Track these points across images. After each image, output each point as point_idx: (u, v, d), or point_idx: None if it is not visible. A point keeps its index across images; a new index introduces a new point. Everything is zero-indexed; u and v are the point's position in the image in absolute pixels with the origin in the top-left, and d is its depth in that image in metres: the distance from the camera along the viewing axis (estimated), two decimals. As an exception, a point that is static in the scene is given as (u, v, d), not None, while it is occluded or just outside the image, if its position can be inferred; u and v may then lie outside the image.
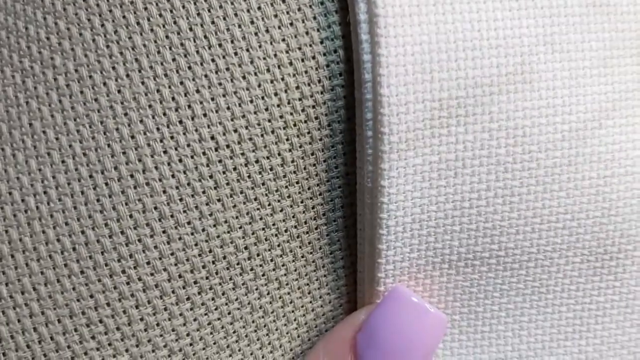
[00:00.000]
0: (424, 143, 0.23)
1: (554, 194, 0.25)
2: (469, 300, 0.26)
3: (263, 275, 0.24)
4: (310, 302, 0.26)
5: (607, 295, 0.27)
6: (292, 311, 0.25)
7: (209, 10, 0.22)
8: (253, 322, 0.25)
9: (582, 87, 0.24)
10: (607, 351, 0.28)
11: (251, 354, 0.25)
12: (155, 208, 0.22)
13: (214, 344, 0.24)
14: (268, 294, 0.25)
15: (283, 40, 0.23)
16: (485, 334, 0.27)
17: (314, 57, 0.23)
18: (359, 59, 0.23)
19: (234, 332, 0.24)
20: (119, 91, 0.22)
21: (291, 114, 0.23)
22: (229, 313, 0.24)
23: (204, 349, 0.24)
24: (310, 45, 0.23)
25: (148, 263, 0.22)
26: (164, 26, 0.22)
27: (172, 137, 0.22)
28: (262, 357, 0.25)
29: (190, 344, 0.24)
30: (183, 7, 0.22)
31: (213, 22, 0.22)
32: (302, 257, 0.25)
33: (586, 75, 0.24)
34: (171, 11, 0.22)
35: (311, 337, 0.26)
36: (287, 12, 0.23)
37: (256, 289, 0.24)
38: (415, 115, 0.23)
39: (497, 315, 0.27)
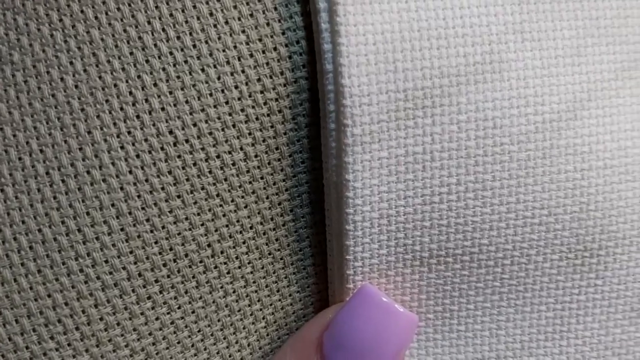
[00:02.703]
0: (389, 135, 0.22)
1: (529, 188, 0.24)
2: (443, 299, 0.25)
3: (228, 273, 0.24)
4: (279, 300, 0.25)
5: (589, 294, 0.26)
6: (260, 309, 0.25)
7: (167, 3, 0.22)
8: (219, 320, 0.24)
9: (555, 76, 0.23)
10: (589, 352, 0.27)
11: (217, 352, 0.24)
12: (113, 205, 0.22)
13: (178, 343, 0.24)
14: (234, 292, 0.24)
15: (243, 31, 0.22)
16: (462, 333, 0.26)
17: (275, 49, 0.22)
18: (320, 50, 0.22)
19: (199, 330, 0.24)
20: (76, 86, 0.22)
21: (253, 107, 0.22)
22: (193, 312, 0.24)
23: (167, 348, 0.23)
24: (272, 37, 0.22)
25: (106, 261, 0.22)
26: (121, 20, 0.22)
27: (129, 132, 0.22)
28: (230, 356, 0.25)
29: (153, 344, 0.23)
30: (141, 0, 0.22)
31: (171, 15, 0.22)
32: (269, 254, 0.24)
33: (559, 64, 0.23)
34: (129, 4, 0.22)
35: (281, 336, 0.26)
36: (247, 3, 0.22)
37: (221, 287, 0.24)
38: (379, 107, 0.22)
39: (473, 314, 0.26)
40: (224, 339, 0.24)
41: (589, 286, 0.26)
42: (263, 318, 0.25)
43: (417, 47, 0.22)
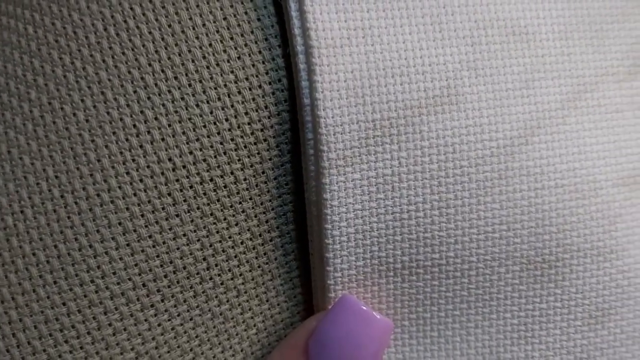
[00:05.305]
0: (361, 160, 0.26)
1: (488, 205, 0.27)
2: (416, 307, 0.28)
3: (222, 284, 0.27)
4: (269, 309, 0.28)
5: (549, 302, 0.29)
6: (251, 317, 0.28)
7: (165, 48, 0.25)
8: (214, 327, 0.27)
9: (506, 107, 0.26)
10: (553, 356, 0.29)
11: (214, 357, 0.27)
12: (120, 223, 0.25)
13: (178, 347, 0.27)
14: (227, 301, 0.27)
15: (232, 72, 0.26)
16: (434, 339, 0.29)
17: (260, 86, 0.26)
18: (298, 86, 0.25)
19: (197, 336, 0.27)
20: (86, 120, 0.25)
21: (241, 137, 0.26)
22: (191, 319, 0.27)
23: (168, 352, 0.26)
24: (257, 76, 0.26)
25: (114, 273, 0.25)
26: (126, 62, 0.25)
27: (133, 160, 0.25)
28: None
29: (156, 347, 0.26)
30: (143, 45, 0.25)
31: (169, 58, 0.25)
32: (259, 267, 0.27)
33: (509, 96, 0.27)
34: (132, 49, 0.25)
35: (271, 342, 0.28)
36: (235, 48, 0.26)
37: (216, 297, 0.27)
38: (351, 135, 0.25)
39: (444, 321, 0.29)
40: (219, 344, 0.27)
41: (549, 295, 0.29)
42: (254, 325, 0.28)
43: (382, 83, 0.25)
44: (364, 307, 0.26)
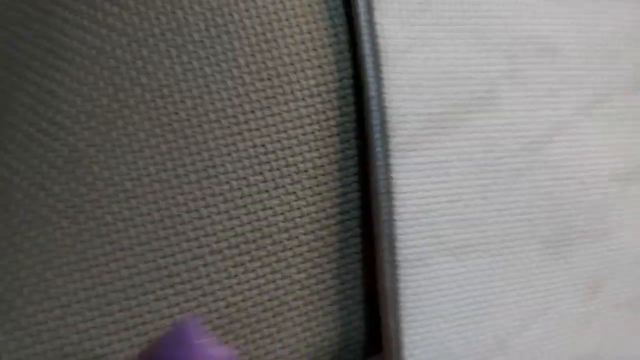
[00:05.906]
0: (420, 146, 0.31)
1: (517, 191, 0.32)
2: (466, 286, 0.33)
3: (300, 254, 0.32)
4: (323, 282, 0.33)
5: (561, 277, 0.34)
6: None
7: (260, 53, 0.31)
8: (292, 292, 0.32)
9: (536, 110, 0.32)
10: (566, 322, 0.34)
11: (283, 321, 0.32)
12: (221, 194, 0.30)
13: (261, 304, 0.31)
14: (305, 270, 0.32)
15: (313, 78, 0.31)
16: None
17: (335, 90, 0.32)
18: (367, 86, 0.31)
19: (277, 297, 0.32)
20: (194, 108, 0.30)
21: (319, 130, 0.31)
22: (274, 281, 0.31)
23: (253, 306, 0.31)
24: (332, 82, 0.32)
25: (214, 234, 0.30)
26: (227, 62, 0.31)
27: (234, 143, 0.30)
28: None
29: (243, 300, 0.31)
30: (241, 48, 0.31)
31: (263, 62, 0.31)
32: (322, 238, 0.32)
33: (539, 101, 0.32)
34: (232, 51, 0.31)
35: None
36: (317, 58, 0.31)
37: (294, 266, 0.32)
38: (411, 125, 0.31)
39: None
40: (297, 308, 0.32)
41: (561, 270, 0.34)
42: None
43: (437, 85, 0.31)
44: (198, 341, 0.24)
